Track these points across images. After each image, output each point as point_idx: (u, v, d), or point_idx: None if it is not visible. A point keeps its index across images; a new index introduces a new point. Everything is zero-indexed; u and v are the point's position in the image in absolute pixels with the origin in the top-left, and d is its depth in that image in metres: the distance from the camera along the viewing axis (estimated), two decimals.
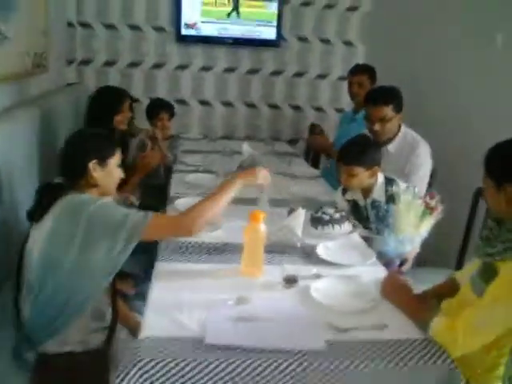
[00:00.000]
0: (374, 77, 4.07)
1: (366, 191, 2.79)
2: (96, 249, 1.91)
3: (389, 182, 2.74)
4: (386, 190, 2.70)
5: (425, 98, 4.18)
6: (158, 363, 1.56)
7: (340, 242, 2.51)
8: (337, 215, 2.64)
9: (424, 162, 3.12)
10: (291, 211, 2.72)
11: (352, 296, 2.02)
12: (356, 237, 2.62)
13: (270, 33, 5.15)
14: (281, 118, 5.41)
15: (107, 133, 2.36)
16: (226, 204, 2.14)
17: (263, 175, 2.36)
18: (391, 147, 3.24)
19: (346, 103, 5.12)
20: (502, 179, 1.74)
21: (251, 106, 5.35)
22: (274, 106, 5.38)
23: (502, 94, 3.40)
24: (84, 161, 2.07)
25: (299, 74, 5.32)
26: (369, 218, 2.78)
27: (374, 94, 3.22)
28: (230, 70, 5.23)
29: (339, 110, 5.34)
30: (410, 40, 4.53)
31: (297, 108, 5.40)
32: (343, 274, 2.21)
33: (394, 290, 2.03)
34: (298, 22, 5.21)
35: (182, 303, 1.88)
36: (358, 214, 2.84)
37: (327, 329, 1.78)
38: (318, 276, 2.15)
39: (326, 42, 5.26)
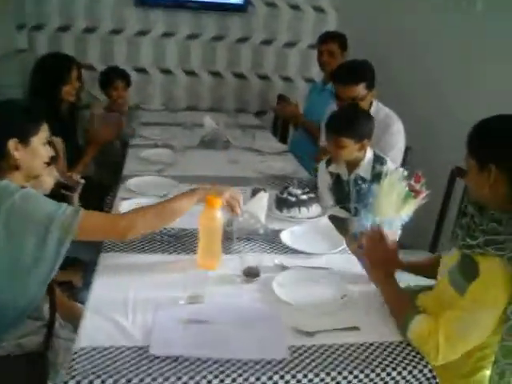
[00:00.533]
0: (345, 45, 3.84)
1: (352, 165, 2.58)
2: (21, 247, 1.65)
3: (377, 159, 2.54)
4: (373, 168, 2.50)
5: (397, 71, 3.96)
6: (92, 382, 1.33)
7: (307, 227, 2.31)
8: (304, 196, 2.43)
9: (398, 141, 2.91)
10: (256, 191, 2.50)
11: (320, 292, 1.81)
12: (325, 221, 2.41)
13: None
14: (247, 88, 5.16)
15: (29, 105, 2.06)
16: (174, 219, 1.90)
17: (232, 195, 2.01)
18: None
19: (316, 73, 4.89)
20: (486, 158, 1.57)
21: (216, 75, 5.07)
22: (240, 76, 5.11)
23: (477, 68, 3.21)
24: (2, 140, 1.79)
25: (267, 42, 5.05)
26: (349, 195, 2.57)
27: (344, 71, 2.95)
28: (193, 36, 4.94)
29: (309, 80, 5.10)
30: (385, 6, 4.28)
31: (264, 78, 5.14)
32: (310, 264, 2.00)
33: (377, 259, 1.89)
34: None
35: (127, 304, 1.66)
36: (339, 190, 2.63)
37: (291, 333, 1.58)
38: (282, 267, 1.94)
39: (295, 7, 4.98)
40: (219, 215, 1.87)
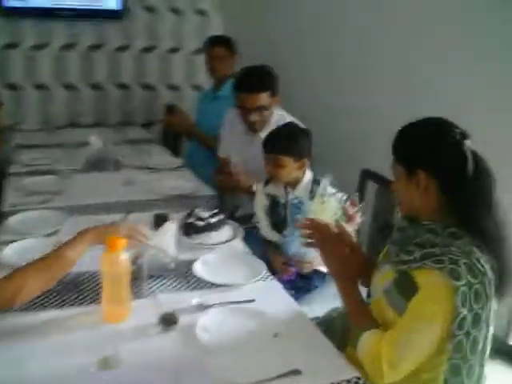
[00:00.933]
0: (234, 48, 3.65)
1: (291, 187, 2.38)
2: None
3: (316, 182, 2.32)
4: (312, 190, 2.28)
5: (287, 70, 3.84)
6: None
7: (221, 254, 2.08)
8: (213, 219, 2.21)
9: None
10: (159, 218, 2.25)
11: (249, 332, 1.60)
12: (239, 244, 2.20)
13: (112, 3, 4.56)
14: (131, 99, 4.86)
15: None
16: (66, 271, 1.64)
17: (132, 228, 1.78)
18: (263, 135, 2.84)
19: (204, 80, 4.72)
20: (414, 164, 1.49)
21: (96, 87, 4.72)
22: (122, 86, 4.79)
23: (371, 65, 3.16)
24: None
25: (148, 49, 4.78)
26: (286, 219, 2.35)
27: (247, 79, 2.74)
28: (68, 46, 4.57)
29: (196, 88, 4.90)
30: (268, 4, 4.15)
31: (148, 87, 4.87)
32: (232, 297, 1.78)
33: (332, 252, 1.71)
34: None
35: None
36: (275, 214, 2.41)
37: None
38: (202, 307, 1.71)
39: (176, 11, 4.76)
40: (124, 257, 1.60)
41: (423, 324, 1.41)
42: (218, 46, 3.60)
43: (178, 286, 1.87)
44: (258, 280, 1.92)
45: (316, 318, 1.95)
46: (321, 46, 3.75)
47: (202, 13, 4.82)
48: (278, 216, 2.38)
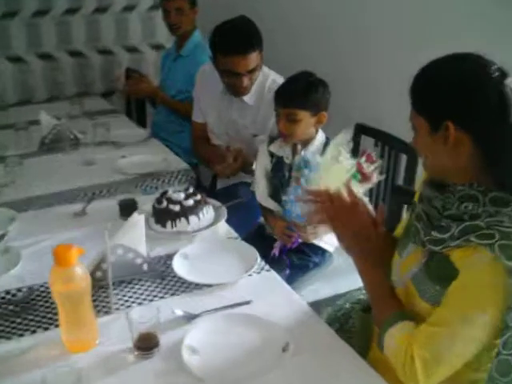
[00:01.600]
0: (194, 1, 3.22)
1: (300, 146, 2.05)
2: None
3: (328, 143, 1.99)
4: (323, 153, 1.92)
5: (267, 19, 3.44)
6: None
7: (204, 244, 1.75)
8: (190, 201, 1.85)
9: None
10: (124, 205, 1.91)
11: (250, 348, 1.27)
12: (224, 228, 1.86)
13: None
14: (87, 66, 4.37)
15: None
16: None
17: None
18: (248, 98, 2.49)
19: (164, 37, 4.32)
20: (441, 114, 1.17)
21: (46, 56, 4.23)
22: (75, 53, 4.31)
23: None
24: None
25: (101, 10, 4.28)
26: (288, 182, 2.01)
27: (235, 39, 2.31)
28: (10, 14, 4.05)
29: (156, 47, 4.47)
30: None
31: (105, 52, 4.39)
32: (224, 300, 1.46)
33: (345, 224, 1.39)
34: None
35: None
36: (278, 176, 2.08)
37: None
38: (187, 318, 1.37)
39: None
40: (80, 271, 1.24)
41: (468, 315, 1.12)
42: None
43: (155, 291, 1.53)
44: (252, 273, 1.59)
45: (323, 302, 1.74)
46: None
47: None
48: (281, 178, 2.06)
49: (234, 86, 2.40)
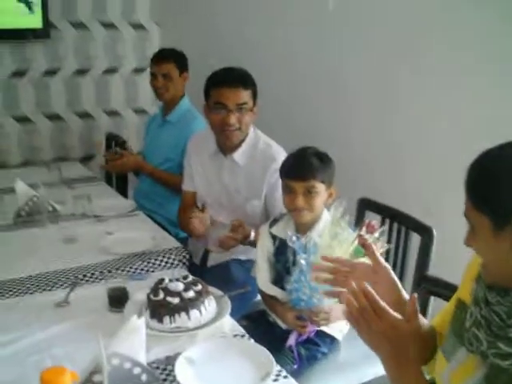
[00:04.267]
0: (185, 64, 3.10)
1: (305, 226, 1.90)
2: None
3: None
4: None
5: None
6: None
7: (209, 344, 1.52)
8: (190, 292, 1.64)
9: None
10: (114, 294, 1.69)
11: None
12: (229, 323, 1.64)
13: (34, 21, 3.91)
14: (65, 130, 4.22)
15: None
16: None
17: None
18: (239, 157, 2.36)
19: (147, 102, 4.23)
20: (506, 214, 1.01)
21: (23, 119, 4.07)
22: (53, 117, 4.16)
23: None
24: None
25: (81, 72, 4.16)
26: (293, 267, 1.82)
27: (228, 73, 2.31)
28: None
29: (139, 111, 4.34)
30: (213, 11, 3.65)
31: (85, 115, 4.24)
32: None
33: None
34: (69, 2, 4.03)
35: None
36: (281, 261, 1.91)
37: None
38: None
39: (109, 26, 4.17)
40: None
41: None
42: (167, 63, 3.03)
43: None
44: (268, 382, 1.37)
45: None
46: (283, 54, 3.27)
47: (138, 26, 4.25)
48: (285, 263, 1.87)
49: (221, 126, 2.27)
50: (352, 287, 1.22)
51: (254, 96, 2.31)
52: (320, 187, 1.85)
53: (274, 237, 1.96)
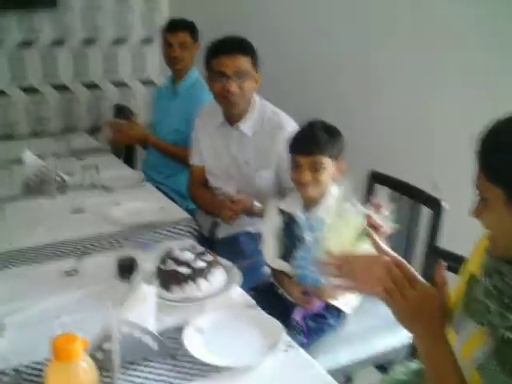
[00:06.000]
0: (197, 35, 3.07)
1: (312, 201, 1.87)
2: None
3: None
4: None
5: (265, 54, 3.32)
6: None
7: (218, 313, 1.52)
8: (200, 262, 1.64)
9: None
10: (123, 264, 1.69)
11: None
12: (238, 292, 1.64)
13: None
14: (73, 101, 4.17)
15: None
16: None
17: None
18: (246, 127, 2.35)
19: (154, 73, 4.19)
20: None
21: (30, 90, 4.03)
22: (61, 87, 4.11)
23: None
24: None
25: (89, 41, 4.11)
26: (300, 243, 1.82)
27: (226, 41, 2.29)
28: None
29: (146, 83, 4.30)
30: None
31: (92, 86, 4.20)
32: None
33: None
34: None
35: None
36: (289, 237, 1.88)
37: None
38: None
39: None
40: (83, 366, 1.01)
41: None
42: (183, 31, 3.01)
43: (164, 376, 1.29)
44: (282, 350, 1.37)
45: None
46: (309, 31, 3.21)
47: None
48: (292, 239, 1.85)
49: (223, 94, 2.26)
50: (383, 259, 1.21)
51: (255, 63, 2.29)
52: (327, 162, 1.82)
53: (282, 212, 1.93)
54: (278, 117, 2.32)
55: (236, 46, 2.27)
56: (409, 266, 1.17)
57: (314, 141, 1.82)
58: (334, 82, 3.13)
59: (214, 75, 2.27)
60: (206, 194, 2.52)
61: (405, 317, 1.16)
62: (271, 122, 2.31)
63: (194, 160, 2.55)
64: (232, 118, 2.35)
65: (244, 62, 2.25)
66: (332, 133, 1.86)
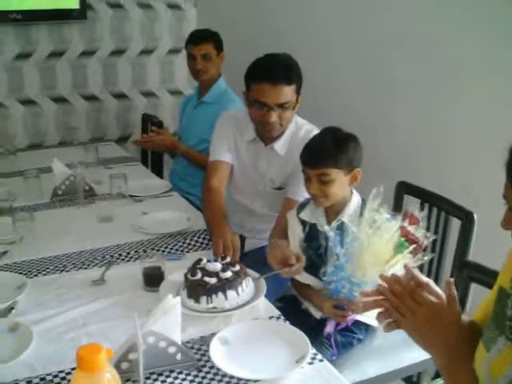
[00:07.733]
0: (221, 45, 3.06)
1: (334, 211, 1.82)
2: None
3: (365, 203, 1.75)
4: (361, 214, 1.70)
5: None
6: None
7: (244, 325, 1.51)
8: (228, 273, 1.62)
9: None
10: (150, 273, 1.69)
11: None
12: (265, 305, 1.62)
13: (71, 1, 3.91)
14: (102, 110, 4.23)
15: None
16: None
17: None
18: (279, 147, 2.24)
19: (182, 83, 4.23)
20: None
21: (60, 100, 4.09)
22: (90, 97, 4.17)
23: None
24: None
25: (118, 52, 4.16)
26: (326, 252, 1.78)
27: (271, 67, 2.09)
28: (23, 56, 3.92)
29: (175, 93, 4.33)
30: None
31: (121, 96, 4.25)
32: None
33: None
34: None
35: None
36: (313, 246, 1.83)
37: None
38: None
39: (146, 6, 4.14)
40: (110, 376, 1.00)
41: None
42: (206, 43, 3.00)
43: None
44: (310, 362, 1.35)
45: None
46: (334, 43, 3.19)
47: (174, 6, 4.21)
48: (318, 248, 1.81)
49: (261, 122, 2.14)
50: (383, 277, 1.19)
51: (299, 89, 2.12)
52: (334, 174, 1.75)
53: (303, 222, 1.88)
54: (311, 135, 2.24)
55: (281, 74, 2.06)
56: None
57: (319, 153, 1.77)
58: (357, 92, 3.10)
59: (254, 102, 2.12)
60: (218, 210, 2.19)
61: (416, 333, 1.15)
62: (303, 142, 2.21)
63: (221, 155, 2.34)
64: (267, 139, 2.25)
65: (288, 93, 2.07)
66: (340, 143, 1.78)
